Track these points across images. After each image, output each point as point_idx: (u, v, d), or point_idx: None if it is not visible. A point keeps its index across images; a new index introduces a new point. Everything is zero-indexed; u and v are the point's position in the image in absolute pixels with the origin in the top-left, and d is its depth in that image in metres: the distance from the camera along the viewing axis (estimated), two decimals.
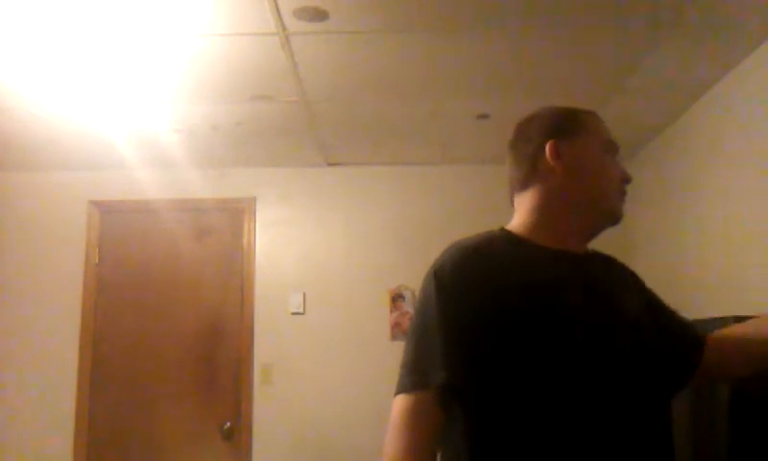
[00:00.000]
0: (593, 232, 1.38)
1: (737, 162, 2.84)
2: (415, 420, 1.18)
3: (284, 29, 2.46)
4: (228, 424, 3.91)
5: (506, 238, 1.34)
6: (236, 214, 4.15)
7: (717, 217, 3.01)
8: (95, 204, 4.13)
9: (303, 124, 3.46)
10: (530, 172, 1.35)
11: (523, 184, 1.37)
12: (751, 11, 2.37)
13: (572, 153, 1.32)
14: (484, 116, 3.37)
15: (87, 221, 4.10)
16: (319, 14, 2.35)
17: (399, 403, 1.21)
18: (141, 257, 4.10)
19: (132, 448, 3.91)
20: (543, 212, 1.33)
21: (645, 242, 3.82)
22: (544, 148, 1.33)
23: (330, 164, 4.10)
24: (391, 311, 4.01)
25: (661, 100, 3.17)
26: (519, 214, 1.38)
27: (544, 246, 1.30)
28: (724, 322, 1.95)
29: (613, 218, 1.36)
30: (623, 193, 1.37)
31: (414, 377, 1.21)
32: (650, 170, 3.78)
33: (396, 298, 4.01)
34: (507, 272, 1.23)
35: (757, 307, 2.40)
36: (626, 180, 1.37)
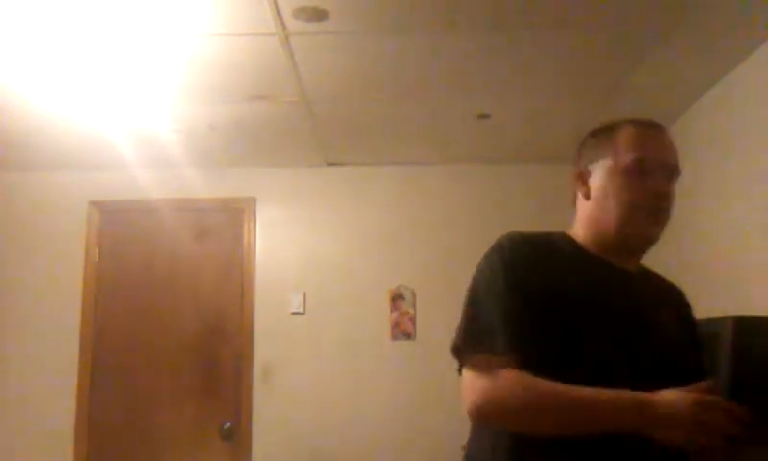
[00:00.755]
0: (632, 252, 1.39)
1: (737, 162, 2.84)
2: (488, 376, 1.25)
3: (284, 29, 2.46)
4: (228, 424, 3.91)
5: (564, 238, 1.42)
6: (236, 214, 4.15)
7: (717, 217, 3.01)
8: (95, 204, 4.13)
9: (303, 124, 3.46)
10: (574, 191, 1.46)
11: (572, 200, 1.48)
12: (751, 11, 2.37)
13: (595, 180, 1.38)
14: (484, 116, 3.37)
15: (87, 221, 4.10)
16: (319, 14, 2.35)
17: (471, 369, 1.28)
18: (141, 257, 4.10)
19: (132, 448, 3.91)
20: (585, 228, 1.41)
21: None
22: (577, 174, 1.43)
23: (330, 164, 4.10)
24: (391, 311, 4.01)
25: (661, 100, 3.17)
26: (574, 222, 1.46)
27: (595, 254, 1.37)
28: (724, 322, 1.95)
29: (642, 240, 1.37)
30: (654, 212, 1.34)
31: (481, 344, 1.27)
32: None
33: (396, 298, 4.01)
34: (566, 264, 1.33)
35: (758, 307, 2.40)
36: (656, 197, 1.34)
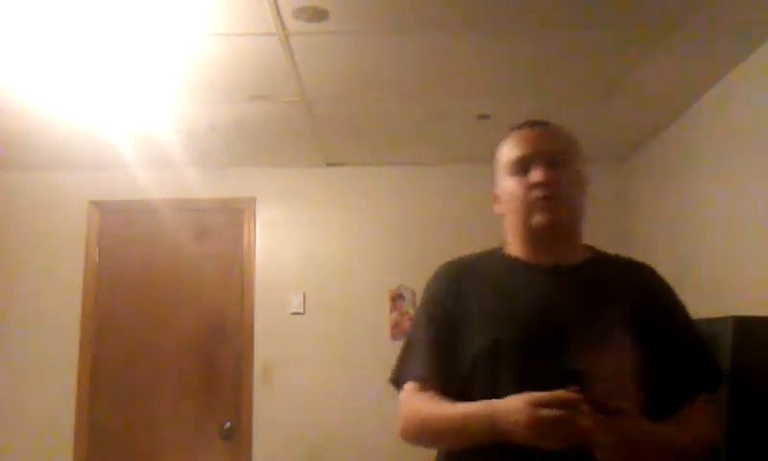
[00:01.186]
0: (546, 244, 1.40)
1: (737, 162, 2.84)
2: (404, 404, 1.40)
3: (284, 29, 2.46)
4: (229, 424, 3.91)
5: (496, 254, 1.49)
6: (236, 214, 4.15)
7: (717, 217, 3.01)
8: (95, 204, 4.13)
9: (303, 124, 3.46)
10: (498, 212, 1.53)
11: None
12: (751, 11, 2.37)
13: (501, 194, 1.48)
14: (484, 116, 3.37)
15: (87, 221, 4.10)
16: (319, 14, 2.35)
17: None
18: (141, 257, 4.10)
19: (132, 448, 3.91)
20: (510, 238, 1.48)
21: (645, 242, 3.82)
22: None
23: (330, 164, 4.10)
24: (390, 311, 4.01)
25: (661, 100, 3.17)
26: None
27: (521, 260, 1.43)
28: (724, 322, 1.95)
29: (535, 231, 1.38)
30: (537, 200, 1.36)
31: (404, 373, 1.43)
32: (650, 170, 3.78)
33: (396, 298, 4.01)
34: (484, 279, 1.41)
35: (758, 307, 2.40)
36: (536, 187, 1.37)
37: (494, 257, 1.47)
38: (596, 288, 1.35)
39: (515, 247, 1.44)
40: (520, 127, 1.47)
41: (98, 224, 4.12)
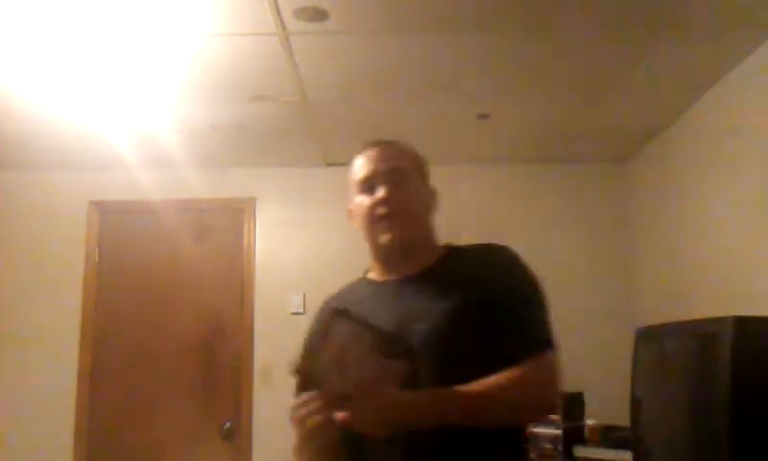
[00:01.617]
0: (396, 259, 1.44)
1: (737, 162, 2.84)
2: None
3: (284, 29, 2.46)
4: (229, 424, 3.91)
5: (360, 279, 1.55)
6: (236, 214, 4.15)
7: (717, 217, 3.01)
8: (95, 204, 4.13)
9: (303, 124, 3.46)
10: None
11: None
12: (750, 12, 2.37)
13: (351, 206, 1.52)
14: (484, 116, 3.37)
15: (87, 221, 4.10)
16: (319, 14, 2.35)
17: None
18: (141, 257, 4.09)
19: (132, 448, 3.90)
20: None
21: (645, 242, 3.82)
22: None
23: (330, 164, 4.09)
24: None
25: (662, 100, 3.17)
26: None
27: (374, 279, 1.49)
28: (724, 322, 1.95)
29: (381, 247, 1.44)
30: (380, 218, 1.42)
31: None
32: (650, 170, 3.79)
33: None
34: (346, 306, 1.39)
35: (758, 307, 2.40)
36: (376, 205, 1.42)
37: (360, 283, 1.53)
38: (437, 286, 1.38)
39: (372, 265, 1.51)
40: (364, 149, 1.53)
41: (98, 224, 4.12)
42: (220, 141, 3.69)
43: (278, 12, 2.34)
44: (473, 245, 1.49)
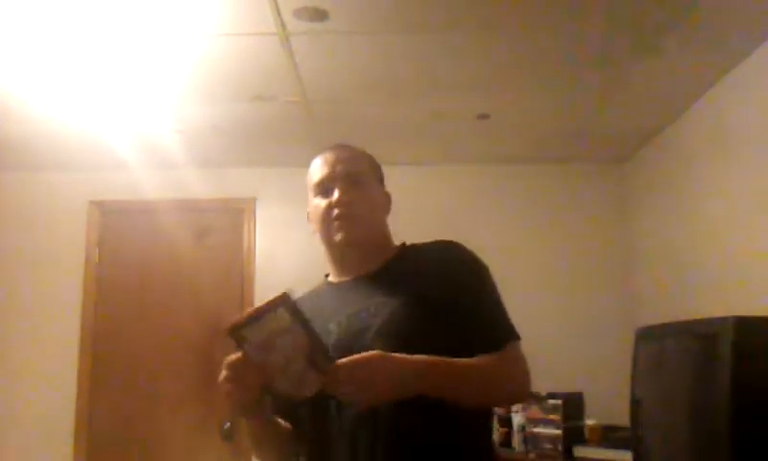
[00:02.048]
0: (351, 260, 1.48)
1: (737, 162, 2.84)
2: None
3: (284, 29, 2.46)
4: (228, 424, 3.91)
5: (320, 283, 1.60)
6: (236, 214, 4.15)
7: (717, 217, 3.01)
8: (95, 204, 4.13)
9: (303, 124, 3.46)
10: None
11: None
12: (750, 12, 2.37)
13: (308, 208, 1.53)
14: (484, 116, 3.37)
15: (87, 221, 4.10)
16: (319, 14, 2.35)
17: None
18: (141, 257, 4.09)
19: (132, 448, 3.90)
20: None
21: (645, 242, 3.82)
22: None
23: None
24: None
25: (662, 100, 3.17)
26: None
27: (331, 282, 1.54)
28: (724, 322, 1.95)
29: (336, 247, 1.47)
30: (335, 220, 1.44)
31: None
32: (649, 170, 3.78)
33: None
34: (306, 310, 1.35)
35: (758, 307, 2.40)
36: (331, 208, 1.44)
37: (319, 288, 1.57)
38: (391, 283, 1.41)
39: (329, 268, 1.55)
40: (322, 151, 1.54)
41: (98, 224, 4.12)
42: (220, 141, 3.69)
43: (278, 12, 2.34)
44: (427, 242, 1.52)
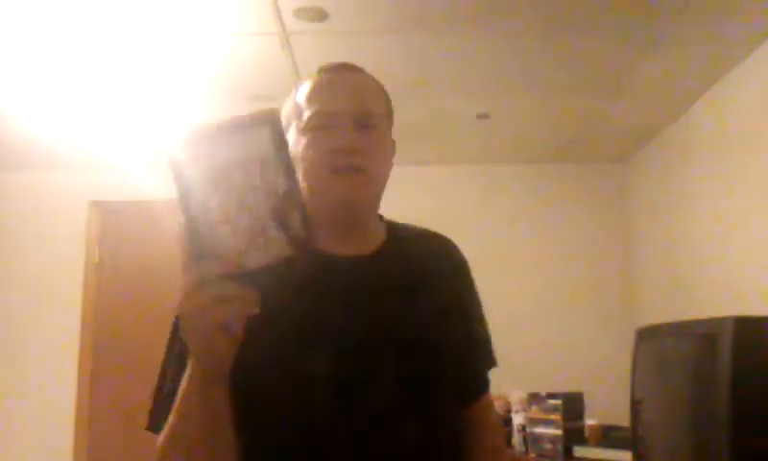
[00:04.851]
0: (336, 227, 1.10)
1: (737, 162, 2.84)
2: None
3: (284, 29, 2.46)
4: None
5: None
6: None
7: (717, 217, 3.01)
8: (95, 204, 4.13)
9: None
10: None
11: None
12: (750, 12, 2.37)
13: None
14: (484, 116, 3.37)
15: (87, 221, 4.10)
16: (319, 14, 2.35)
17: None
18: (141, 257, 4.09)
19: (132, 447, 3.90)
20: None
21: (645, 242, 3.82)
22: None
23: None
24: None
25: (662, 100, 3.18)
26: None
27: (322, 251, 1.07)
28: (724, 322, 1.95)
29: (330, 207, 1.07)
30: (337, 171, 1.05)
31: None
32: (649, 170, 3.78)
33: None
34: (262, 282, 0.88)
35: (758, 307, 2.40)
36: (332, 152, 1.05)
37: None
38: (390, 281, 1.11)
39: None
40: (323, 71, 1.17)
41: (98, 224, 4.12)
42: None
43: (278, 12, 2.34)
44: (411, 229, 1.24)
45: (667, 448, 2.31)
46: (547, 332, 3.71)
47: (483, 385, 1.22)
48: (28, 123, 3.36)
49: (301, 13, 2.34)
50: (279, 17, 2.37)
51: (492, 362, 1.24)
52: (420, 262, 1.17)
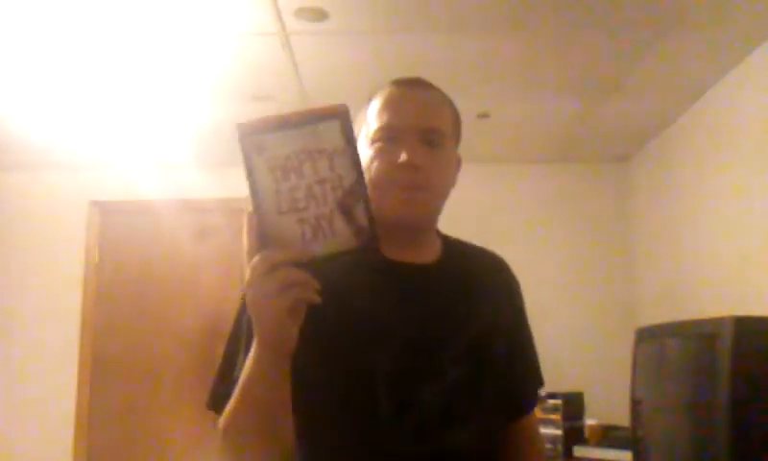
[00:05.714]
0: (401, 238, 1.12)
1: (737, 162, 2.84)
2: None
3: (284, 29, 2.46)
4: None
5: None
6: (236, 214, 4.15)
7: (717, 217, 3.01)
8: (95, 204, 4.13)
9: None
10: None
11: None
12: (750, 11, 2.37)
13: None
14: (484, 116, 3.37)
15: (87, 221, 4.10)
16: (319, 14, 2.35)
17: None
18: (141, 257, 4.09)
19: (132, 448, 3.91)
20: None
21: (645, 242, 3.82)
22: None
23: None
24: None
25: (662, 99, 3.18)
26: None
27: (385, 257, 1.11)
28: (724, 322, 1.95)
29: (396, 220, 1.08)
30: (398, 186, 1.08)
31: None
32: (649, 170, 3.79)
33: None
34: (327, 283, 0.89)
35: (758, 307, 2.40)
36: (397, 168, 1.07)
37: (365, 256, 1.01)
38: (451, 291, 1.15)
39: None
40: (395, 85, 1.18)
41: (98, 224, 4.12)
42: (220, 141, 3.69)
43: (278, 12, 2.34)
44: (469, 245, 1.28)
45: (667, 448, 2.31)
46: (547, 332, 3.70)
47: (532, 402, 1.28)
48: (28, 123, 3.36)
49: (301, 13, 2.34)
50: (279, 17, 2.37)
51: (540, 381, 1.29)
52: (479, 275, 1.21)
